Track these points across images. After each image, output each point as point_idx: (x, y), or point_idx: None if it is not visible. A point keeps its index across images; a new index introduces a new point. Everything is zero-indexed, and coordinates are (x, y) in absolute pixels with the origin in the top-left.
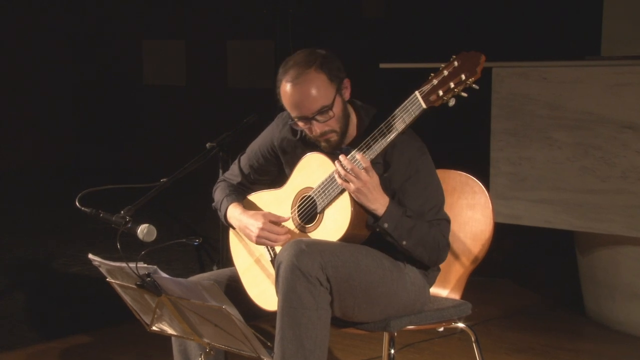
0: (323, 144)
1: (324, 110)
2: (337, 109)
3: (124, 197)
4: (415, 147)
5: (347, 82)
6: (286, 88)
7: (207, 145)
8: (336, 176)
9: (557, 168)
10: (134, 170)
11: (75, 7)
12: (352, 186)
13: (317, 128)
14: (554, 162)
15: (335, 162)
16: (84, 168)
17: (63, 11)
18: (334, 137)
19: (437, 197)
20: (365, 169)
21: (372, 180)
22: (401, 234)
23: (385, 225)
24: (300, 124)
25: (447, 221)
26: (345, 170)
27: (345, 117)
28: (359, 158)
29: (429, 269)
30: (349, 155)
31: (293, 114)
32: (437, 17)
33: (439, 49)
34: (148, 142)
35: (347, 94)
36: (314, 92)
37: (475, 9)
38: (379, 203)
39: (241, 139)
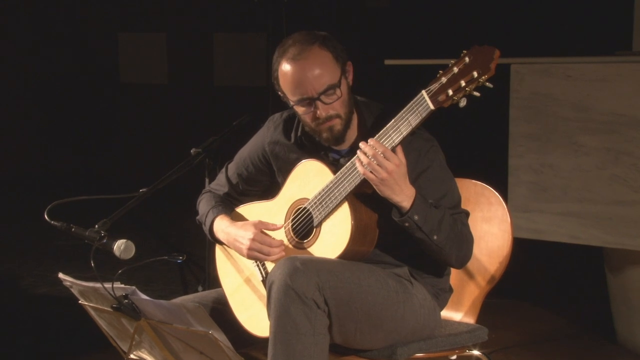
0: (325, 134)
1: (331, 89)
2: (344, 90)
3: (99, 210)
4: (423, 138)
5: (349, 66)
6: (286, 67)
7: (192, 151)
8: (358, 164)
9: (584, 177)
10: (109, 179)
11: None
12: (375, 177)
13: (323, 111)
14: (580, 170)
15: (358, 150)
16: (53, 177)
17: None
18: (338, 125)
19: (455, 192)
20: (387, 158)
21: (399, 169)
22: (432, 228)
23: (416, 217)
24: (302, 108)
25: (467, 214)
26: (368, 157)
27: (351, 104)
28: (377, 146)
29: (444, 281)
30: (366, 144)
31: (294, 97)
32: (448, 8)
33: (450, 43)
34: (125, 148)
35: (350, 77)
36: (319, 69)
37: None
38: (405, 195)
39: (230, 143)
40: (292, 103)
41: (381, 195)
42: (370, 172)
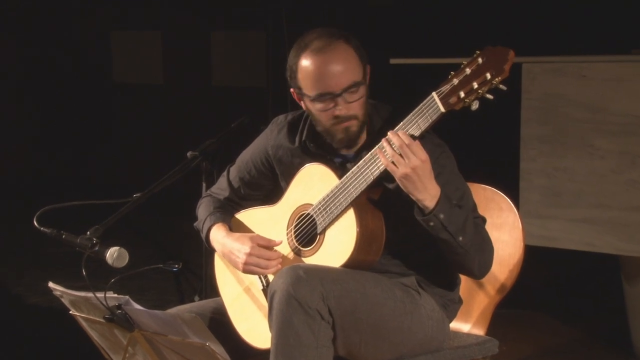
0: (340, 135)
1: (355, 86)
2: (364, 91)
3: (91, 215)
4: (433, 143)
5: (368, 69)
6: (308, 60)
7: (189, 154)
8: (380, 155)
9: (599, 181)
10: (102, 183)
11: None
12: (399, 170)
13: (343, 109)
14: (595, 174)
15: (384, 139)
16: (43, 181)
17: None
18: (354, 126)
19: (469, 198)
20: (414, 152)
21: (424, 165)
22: (457, 228)
23: (442, 215)
24: (319, 105)
25: (484, 220)
26: (393, 149)
27: (368, 107)
28: (404, 138)
29: (453, 292)
30: (395, 133)
31: (314, 92)
32: (454, 5)
33: (458, 42)
34: (119, 151)
35: (367, 81)
36: (344, 64)
37: None
38: (428, 193)
39: (228, 146)
40: (310, 99)
41: (404, 191)
42: (393, 163)
